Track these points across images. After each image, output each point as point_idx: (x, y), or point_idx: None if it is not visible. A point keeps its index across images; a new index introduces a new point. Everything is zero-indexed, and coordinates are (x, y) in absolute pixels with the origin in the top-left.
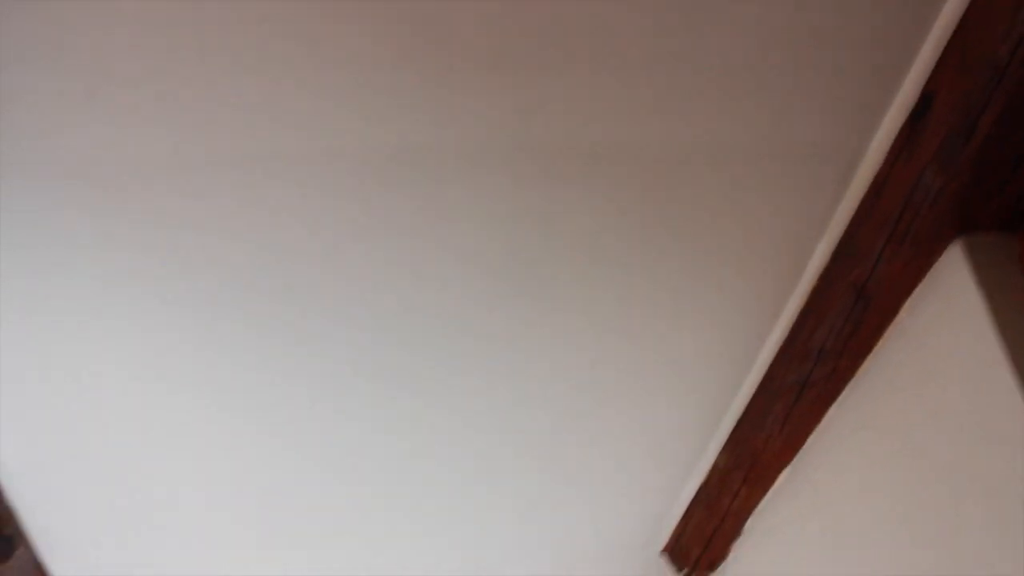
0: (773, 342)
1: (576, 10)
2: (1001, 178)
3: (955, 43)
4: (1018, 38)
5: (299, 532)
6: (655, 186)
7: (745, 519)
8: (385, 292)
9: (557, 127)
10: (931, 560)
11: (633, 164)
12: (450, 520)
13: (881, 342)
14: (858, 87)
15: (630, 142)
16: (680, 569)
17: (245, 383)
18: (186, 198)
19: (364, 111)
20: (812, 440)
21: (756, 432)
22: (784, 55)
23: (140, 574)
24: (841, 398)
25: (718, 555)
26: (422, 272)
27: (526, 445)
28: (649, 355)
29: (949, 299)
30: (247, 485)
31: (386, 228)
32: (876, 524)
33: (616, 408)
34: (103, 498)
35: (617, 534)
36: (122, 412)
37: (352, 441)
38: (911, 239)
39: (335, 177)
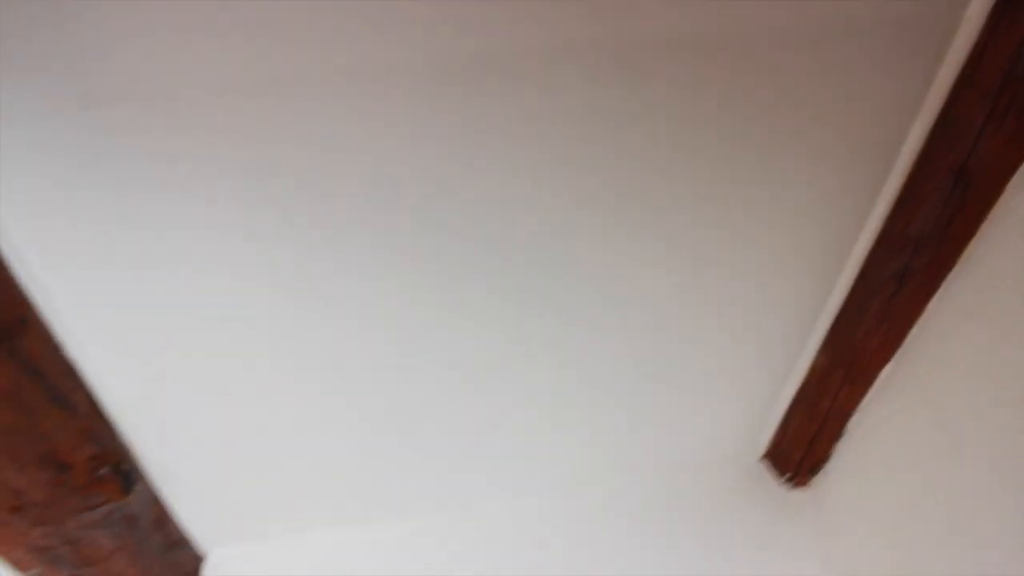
0: (869, 234)
1: None
2: None
3: None
4: None
5: (423, 446)
6: (740, 75)
7: (847, 418)
8: (486, 199)
9: (636, 19)
10: None
11: (716, 53)
12: (555, 431)
13: (984, 226)
14: None
15: (713, 30)
16: (782, 474)
17: (364, 300)
18: (299, 113)
19: (456, 16)
20: (914, 333)
21: (854, 328)
22: None
23: (255, 502)
24: (943, 288)
25: (821, 457)
26: (513, 176)
27: (625, 354)
28: (743, 256)
29: None
30: (371, 409)
31: (477, 135)
32: (986, 414)
33: (712, 313)
34: (215, 429)
35: (716, 443)
36: (234, 338)
37: (470, 353)
38: (1014, 113)
39: (424, 84)
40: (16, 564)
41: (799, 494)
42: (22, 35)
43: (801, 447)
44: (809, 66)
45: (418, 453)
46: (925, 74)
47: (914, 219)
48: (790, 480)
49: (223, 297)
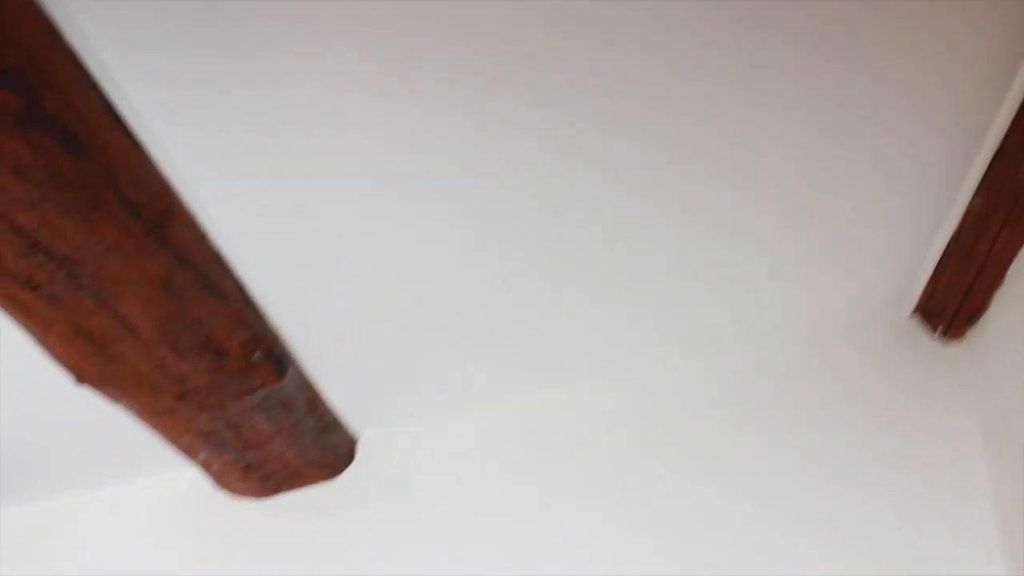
0: None
1: None
2: None
3: None
4: None
5: (568, 317)
6: None
7: (1007, 265)
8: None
9: None
10: None
11: None
12: (699, 296)
13: None
14: None
15: None
16: (935, 328)
17: (508, 163)
18: None
19: None
20: None
21: (1016, 166)
22: None
23: (404, 383)
24: None
25: (977, 307)
26: (657, 27)
27: (767, 205)
28: (890, 92)
29: None
30: (515, 282)
31: None
32: None
33: (858, 157)
34: (361, 313)
35: (864, 300)
36: (377, 218)
37: (615, 215)
38: None
39: None
40: (186, 450)
41: (954, 348)
42: None
43: (956, 298)
44: None
45: (562, 323)
46: None
47: None
48: (944, 334)
49: (365, 174)
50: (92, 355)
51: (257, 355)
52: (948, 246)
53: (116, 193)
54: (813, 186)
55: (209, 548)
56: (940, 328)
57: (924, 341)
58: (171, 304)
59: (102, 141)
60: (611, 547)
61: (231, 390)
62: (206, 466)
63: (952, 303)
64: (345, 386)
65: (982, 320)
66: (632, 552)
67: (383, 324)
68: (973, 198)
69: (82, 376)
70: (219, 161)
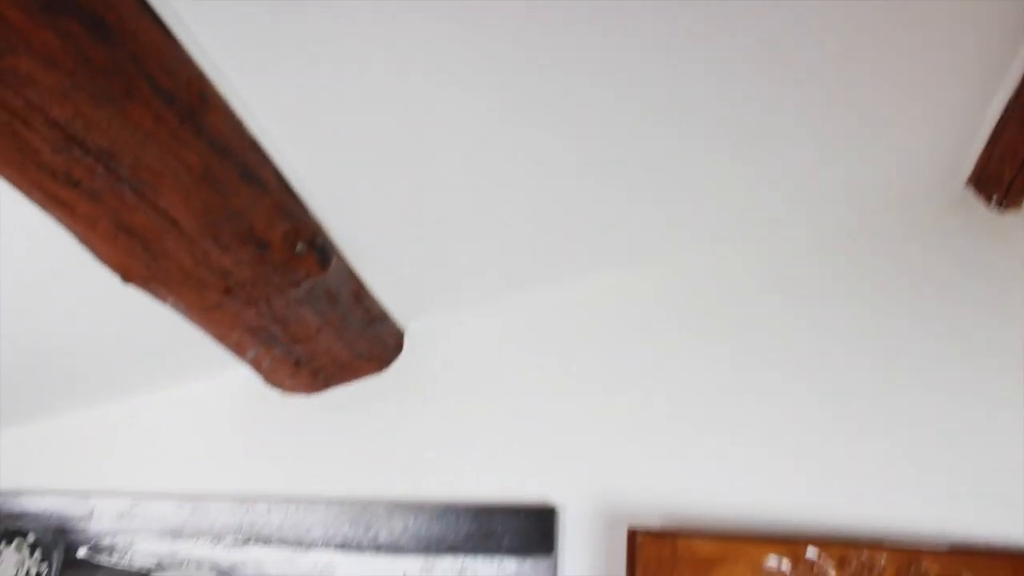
0: None
1: None
2: None
3: None
4: None
5: (611, 199)
6: None
7: None
8: None
9: None
10: None
11: None
12: (745, 170)
13: None
14: None
15: None
16: (989, 198)
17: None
18: None
19: None
20: None
21: None
22: None
23: (449, 273)
24: None
25: None
26: None
27: (809, 75)
28: None
29: None
30: (556, 164)
31: None
32: None
33: (905, 16)
34: (402, 202)
35: (915, 171)
36: (412, 102)
37: (645, 85)
38: None
39: None
40: (235, 347)
41: (1011, 218)
42: None
43: (1013, 165)
44: None
45: (606, 206)
46: None
47: None
48: (1000, 203)
49: (403, 49)
50: (136, 252)
51: (300, 246)
52: (1006, 109)
53: (148, 81)
54: (858, 53)
55: (262, 445)
56: (995, 197)
57: (979, 211)
58: (211, 195)
59: (131, 27)
60: (655, 427)
61: (276, 283)
62: (256, 363)
63: (1009, 170)
64: (390, 278)
65: None
66: (676, 430)
67: (426, 214)
68: None
69: (128, 275)
70: (250, 44)
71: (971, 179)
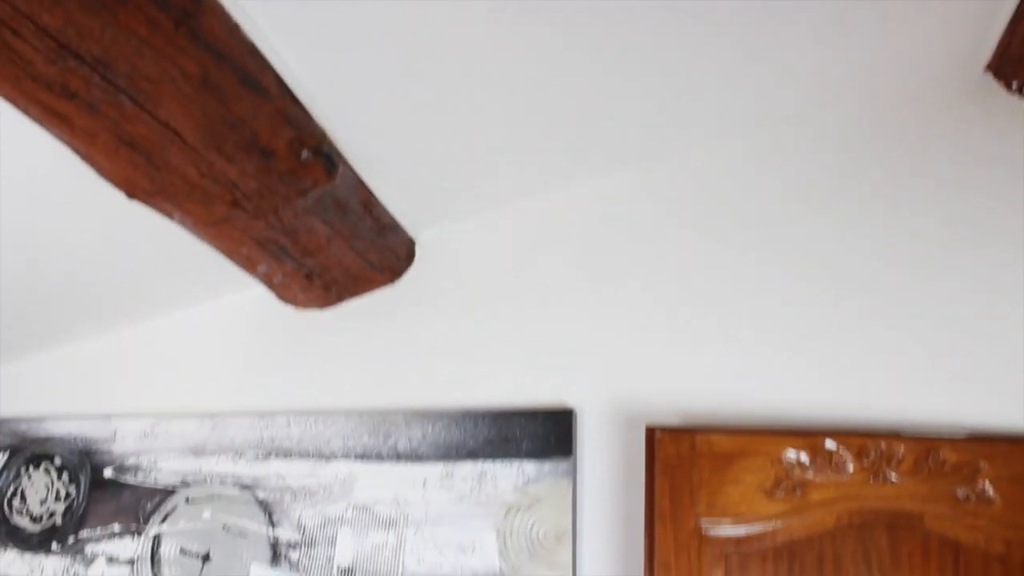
0: None
1: None
2: None
3: None
4: None
5: (616, 98)
6: None
7: None
8: None
9: None
10: None
11: None
12: (754, 65)
13: None
14: None
15: None
16: (1010, 83)
17: None
18: None
19: None
20: None
21: None
22: None
23: (456, 181)
24: None
25: None
26: None
27: None
28: None
29: None
30: (564, 66)
31: None
32: None
33: None
34: (408, 109)
35: (934, 58)
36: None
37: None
38: None
39: None
40: (246, 262)
41: None
42: None
43: None
44: None
45: (615, 106)
46: None
47: None
48: (1021, 88)
49: None
50: (140, 165)
51: (305, 154)
52: None
53: None
54: None
55: (279, 361)
56: (1016, 82)
57: (1000, 96)
58: (211, 103)
59: None
60: (669, 327)
61: (283, 193)
62: (268, 279)
63: None
64: (398, 187)
65: None
66: (690, 329)
67: (431, 119)
68: None
69: (133, 190)
70: None
71: (990, 65)
